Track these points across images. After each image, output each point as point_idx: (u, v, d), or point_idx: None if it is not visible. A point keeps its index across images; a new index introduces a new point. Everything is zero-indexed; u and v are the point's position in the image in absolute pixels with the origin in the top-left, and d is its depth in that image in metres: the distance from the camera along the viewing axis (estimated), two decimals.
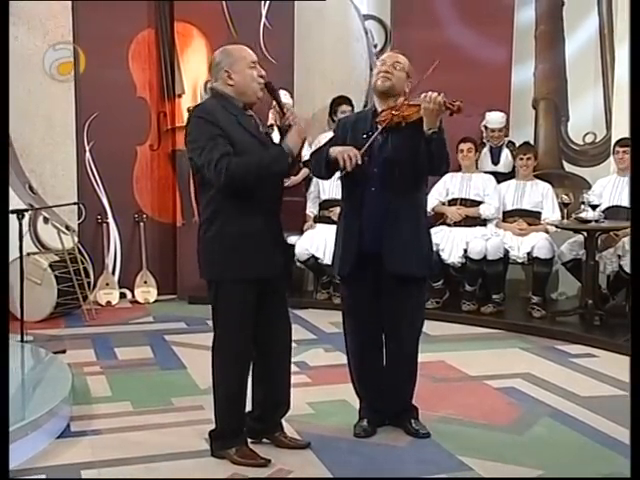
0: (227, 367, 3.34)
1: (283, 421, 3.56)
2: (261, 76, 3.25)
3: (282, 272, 3.36)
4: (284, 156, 3.17)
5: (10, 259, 5.09)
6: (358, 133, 3.55)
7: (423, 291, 3.76)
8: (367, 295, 3.61)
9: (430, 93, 3.34)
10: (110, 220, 6.92)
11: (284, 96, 6.64)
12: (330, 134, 6.78)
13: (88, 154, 6.80)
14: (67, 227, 6.50)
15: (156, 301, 6.85)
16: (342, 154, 3.39)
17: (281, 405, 3.53)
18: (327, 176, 3.61)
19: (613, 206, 5.94)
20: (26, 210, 5.31)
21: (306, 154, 6.74)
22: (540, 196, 6.28)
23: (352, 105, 6.85)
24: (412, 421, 3.72)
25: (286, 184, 7.13)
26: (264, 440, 3.53)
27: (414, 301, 3.66)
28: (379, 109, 3.57)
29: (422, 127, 3.39)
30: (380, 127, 3.49)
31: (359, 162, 3.39)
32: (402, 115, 3.47)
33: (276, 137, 6.85)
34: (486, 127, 6.65)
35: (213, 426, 3.59)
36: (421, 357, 3.80)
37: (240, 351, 3.31)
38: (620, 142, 6.02)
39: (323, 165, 3.50)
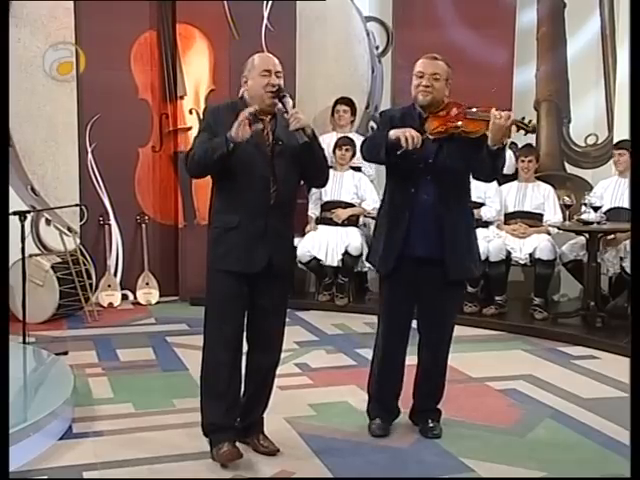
0: (207, 353, 3.42)
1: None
2: (272, 84, 3.31)
3: (270, 272, 3.34)
4: (222, 144, 3.21)
5: (12, 261, 5.12)
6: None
7: (463, 291, 3.91)
8: (404, 295, 3.65)
9: (502, 112, 3.39)
10: (112, 222, 6.91)
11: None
12: (331, 135, 6.87)
13: (90, 156, 6.80)
14: (69, 229, 6.50)
15: (158, 303, 6.85)
16: (404, 133, 3.40)
17: (248, 411, 3.53)
18: (385, 159, 3.55)
19: (615, 208, 5.94)
20: (28, 212, 5.32)
21: None
22: (542, 198, 6.28)
23: (350, 106, 6.89)
24: (430, 420, 3.75)
25: None
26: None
27: (458, 301, 3.83)
28: (423, 113, 3.58)
29: (478, 139, 3.44)
30: (433, 137, 3.51)
31: (418, 145, 3.40)
32: (463, 130, 3.48)
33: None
34: None
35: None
36: (416, 359, 3.81)
37: (218, 339, 3.36)
38: (617, 145, 6.06)
39: (382, 148, 3.48)
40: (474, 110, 3.50)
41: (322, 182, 3.66)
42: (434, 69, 3.54)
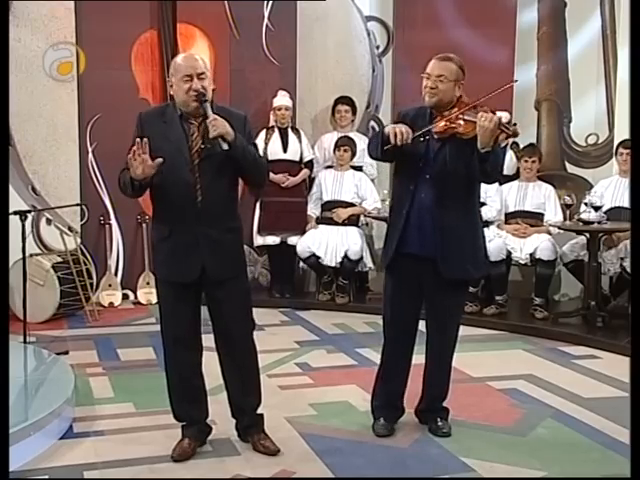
0: (165, 354, 3.51)
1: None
2: (195, 90, 3.24)
3: (208, 279, 3.33)
4: (129, 182, 3.29)
5: (13, 260, 5.13)
6: (416, 131, 3.54)
7: (466, 292, 3.92)
8: (406, 294, 3.66)
9: (487, 114, 3.39)
10: (113, 221, 6.91)
11: (283, 97, 6.68)
12: (333, 135, 6.87)
13: (91, 155, 6.80)
14: (70, 228, 6.51)
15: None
16: (393, 129, 3.45)
17: (239, 411, 3.56)
18: (382, 155, 3.58)
19: (615, 207, 5.93)
20: (29, 211, 5.32)
21: (308, 155, 6.81)
22: (542, 198, 6.28)
23: (351, 105, 6.90)
24: (438, 419, 3.78)
25: (285, 184, 7.15)
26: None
27: (460, 302, 3.82)
28: (434, 112, 3.61)
29: (477, 142, 3.42)
30: (435, 137, 3.53)
31: (408, 141, 3.43)
32: (457, 131, 3.49)
33: (277, 138, 6.89)
34: None
35: (215, 428, 3.62)
36: (424, 359, 3.81)
37: (168, 341, 3.45)
38: (623, 143, 6.01)
39: (379, 143, 3.53)
40: (472, 112, 3.50)
41: (257, 184, 3.65)
42: (440, 71, 3.55)
